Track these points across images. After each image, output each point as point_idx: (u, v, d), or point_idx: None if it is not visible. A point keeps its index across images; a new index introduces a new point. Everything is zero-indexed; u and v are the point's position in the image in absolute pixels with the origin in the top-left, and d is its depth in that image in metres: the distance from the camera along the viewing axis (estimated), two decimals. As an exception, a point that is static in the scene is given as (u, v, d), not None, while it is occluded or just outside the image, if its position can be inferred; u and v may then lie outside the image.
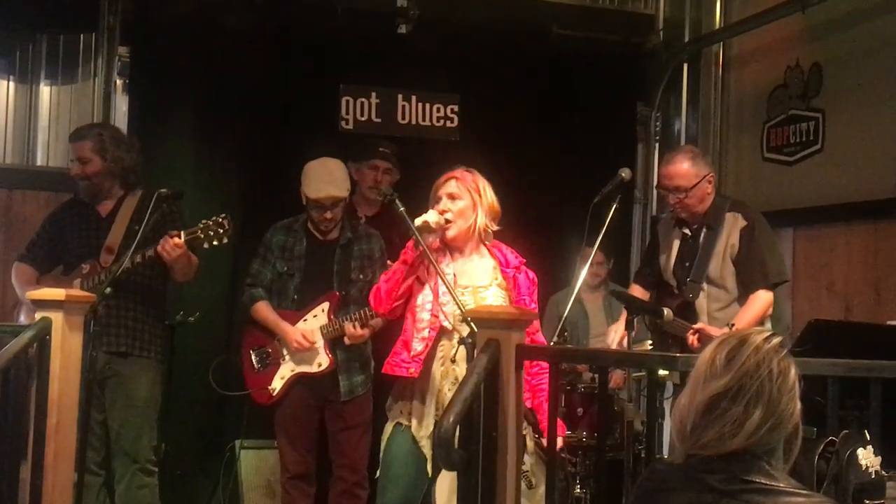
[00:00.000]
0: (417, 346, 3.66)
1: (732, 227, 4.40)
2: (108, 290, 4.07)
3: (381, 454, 3.80)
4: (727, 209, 4.44)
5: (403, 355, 3.69)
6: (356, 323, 4.51)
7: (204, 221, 4.34)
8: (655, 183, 6.58)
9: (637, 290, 4.73)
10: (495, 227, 3.80)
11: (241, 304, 4.77)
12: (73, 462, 3.72)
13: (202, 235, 4.31)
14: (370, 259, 4.70)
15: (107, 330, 4.41)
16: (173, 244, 4.27)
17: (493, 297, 3.71)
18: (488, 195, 3.78)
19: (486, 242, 3.83)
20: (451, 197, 3.73)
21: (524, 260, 3.85)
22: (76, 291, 3.90)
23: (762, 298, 4.32)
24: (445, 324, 3.64)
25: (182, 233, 4.30)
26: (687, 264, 4.48)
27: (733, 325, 4.16)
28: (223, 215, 4.35)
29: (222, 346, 5.28)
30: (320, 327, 4.59)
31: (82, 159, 4.55)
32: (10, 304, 5.18)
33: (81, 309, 3.76)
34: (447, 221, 3.70)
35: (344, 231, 4.70)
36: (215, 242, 4.35)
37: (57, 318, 3.64)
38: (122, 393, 4.50)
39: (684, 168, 4.40)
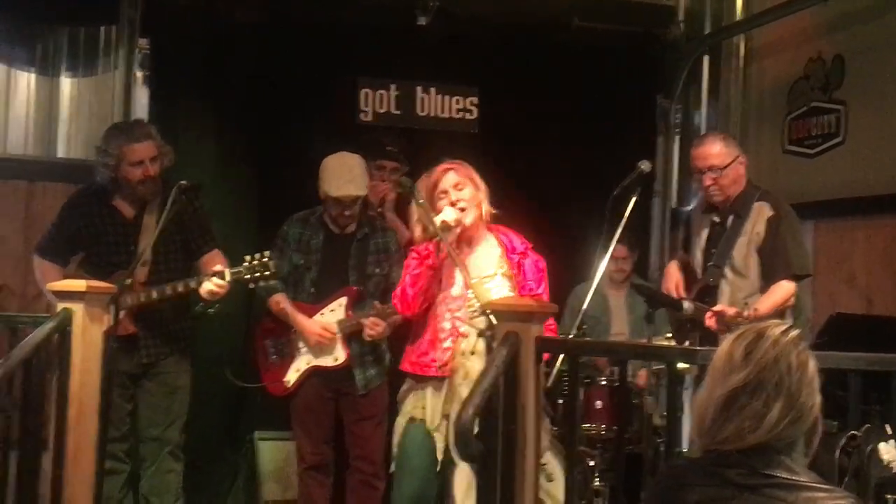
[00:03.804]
0: (442, 357, 3.66)
1: (759, 216, 4.39)
2: (129, 281, 4.11)
3: (394, 448, 3.81)
4: (756, 198, 4.43)
5: (431, 354, 3.69)
6: (376, 319, 4.51)
7: (248, 260, 4.28)
8: (676, 175, 6.58)
9: (674, 266, 4.76)
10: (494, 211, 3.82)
11: (258, 295, 4.75)
12: (94, 452, 3.74)
13: (248, 276, 4.28)
14: (387, 253, 4.69)
15: (146, 341, 4.45)
16: (217, 286, 4.24)
17: (498, 287, 3.71)
18: (481, 181, 3.82)
19: (491, 228, 3.85)
20: (457, 187, 3.74)
21: (530, 244, 3.86)
22: (97, 283, 3.88)
23: (783, 288, 4.31)
24: (463, 329, 3.63)
25: (227, 272, 4.27)
26: (713, 250, 4.48)
27: (747, 303, 4.16)
28: (267, 254, 4.31)
29: (242, 338, 5.28)
30: (337, 322, 4.58)
31: (155, 159, 4.44)
32: (31, 295, 5.21)
33: (102, 300, 3.77)
34: (462, 211, 3.70)
35: (361, 225, 4.69)
36: (261, 283, 4.34)
37: (78, 309, 3.65)
38: (160, 381, 4.52)
39: (717, 148, 4.44)
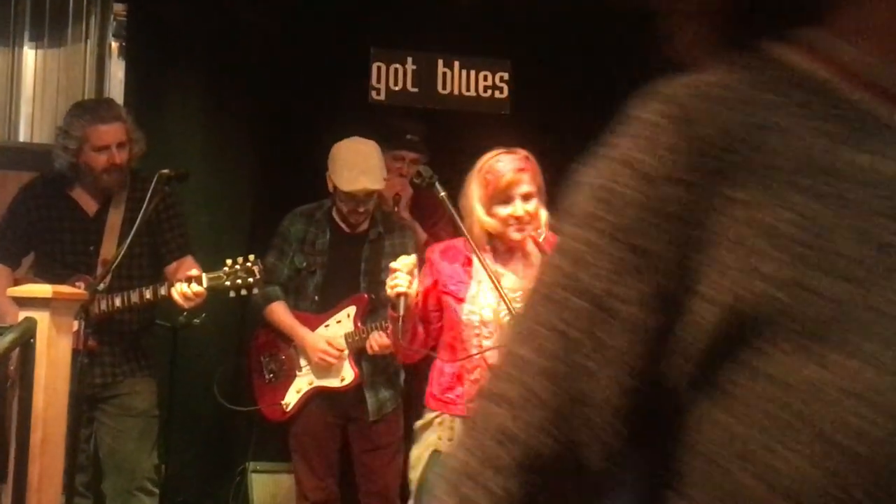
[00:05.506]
0: (470, 391, 3.55)
1: None
2: (102, 286, 4.11)
3: (413, 484, 3.73)
4: None
5: (458, 390, 3.58)
6: (381, 333, 4.44)
7: (229, 264, 4.26)
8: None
9: None
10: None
11: (253, 303, 4.68)
12: (60, 484, 3.69)
13: (228, 283, 4.25)
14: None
15: (102, 358, 4.37)
16: (194, 293, 4.19)
17: None
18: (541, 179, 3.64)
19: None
20: (527, 199, 3.51)
21: None
22: (65, 288, 3.85)
23: None
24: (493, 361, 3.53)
25: (204, 277, 4.23)
26: None
27: None
28: (252, 258, 4.28)
29: (232, 353, 5.26)
30: (345, 335, 4.53)
31: (123, 144, 4.38)
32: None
33: (71, 308, 3.73)
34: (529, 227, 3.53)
35: (374, 223, 4.65)
36: (243, 292, 4.29)
37: (43, 318, 3.60)
38: (117, 403, 4.45)
39: None
